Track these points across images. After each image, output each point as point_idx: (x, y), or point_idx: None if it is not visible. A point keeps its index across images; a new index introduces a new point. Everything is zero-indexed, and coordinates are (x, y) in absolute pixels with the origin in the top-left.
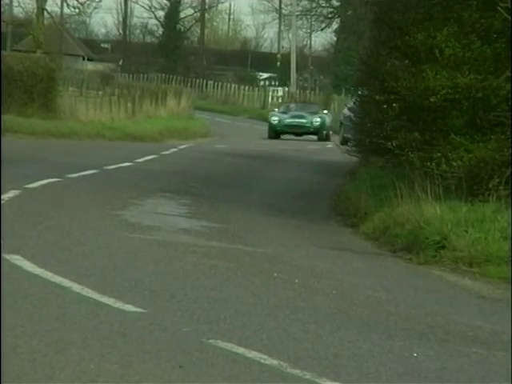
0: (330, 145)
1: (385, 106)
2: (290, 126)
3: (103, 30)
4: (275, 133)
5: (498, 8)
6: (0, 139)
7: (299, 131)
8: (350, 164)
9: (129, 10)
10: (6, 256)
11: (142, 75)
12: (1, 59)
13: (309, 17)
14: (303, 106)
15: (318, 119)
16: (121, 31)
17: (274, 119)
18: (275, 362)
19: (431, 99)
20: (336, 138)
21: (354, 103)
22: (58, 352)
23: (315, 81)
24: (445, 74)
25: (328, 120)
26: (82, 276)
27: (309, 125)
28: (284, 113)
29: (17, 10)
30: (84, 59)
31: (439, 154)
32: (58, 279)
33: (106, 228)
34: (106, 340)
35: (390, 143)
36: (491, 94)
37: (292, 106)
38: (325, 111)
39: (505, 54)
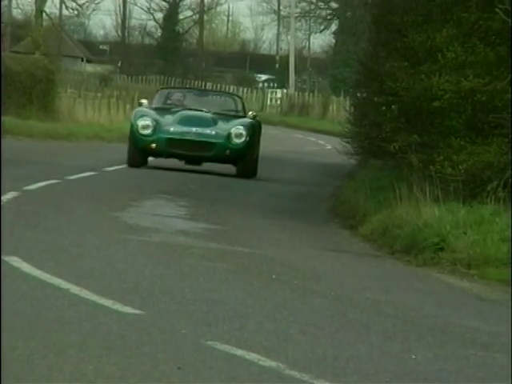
0: (328, 146)
1: (383, 108)
2: (178, 142)
3: (102, 32)
4: (143, 153)
5: (497, 10)
6: (0, 141)
7: (199, 155)
8: (349, 166)
9: (127, 11)
10: (4, 258)
11: (140, 77)
12: (1, 61)
13: (307, 18)
14: (206, 99)
15: (242, 130)
16: (119, 33)
17: (144, 124)
18: (274, 364)
19: (434, 103)
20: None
21: (352, 105)
22: (56, 354)
23: (314, 82)
24: (448, 79)
25: (258, 132)
26: (81, 278)
27: (221, 142)
28: (165, 111)
29: (16, 12)
30: (83, 61)
31: (442, 157)
32: (56, 281)
33: (105, 230)
34: (105, 342)
35: (388, 145)
36: (496, 97)
37: (179, 94)
38: (252, 113)
39: (507, 57)
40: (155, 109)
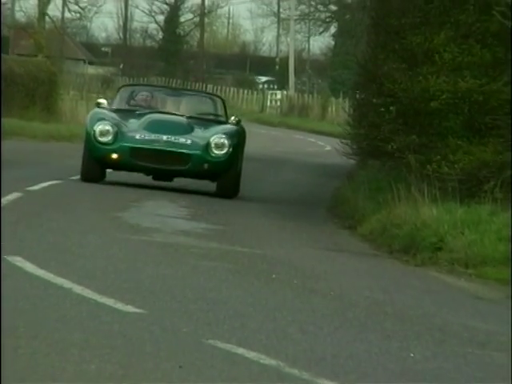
0: (328, 147)
1: (382, 109)
2: (144, 153)
3: (104, 34)
4: (101, 165)
5: (494, 12)
6: (0, 143)
7: (170, 169)
8: (348, 166)
9: (129, 14)
10: (7, 257)
11: (142, 79)
12: (1, 63)
13: (307, 21)
14: (179, 100)
15: (225, 139)
16: (121, 35)
17: (103, 130)
18: (274, 363)
19: (432, 104)
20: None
21: (351, 106)
22: (58, 352)
23: (313, 84)
24: (445, 79)
25: (243, 141)
26: (83, 277)
27: (198, 153)
28: (129, 114)
29: (19, 15)
30: (85, 63)
31: (439, 157)
32: (59, 280)
33: (107, 230)
34: (107, 340)
35: (387, 146)
36: (492, 98)
37: (146, 94)
38: (235, 118)
39: (504, 58)
40: (116, 111)
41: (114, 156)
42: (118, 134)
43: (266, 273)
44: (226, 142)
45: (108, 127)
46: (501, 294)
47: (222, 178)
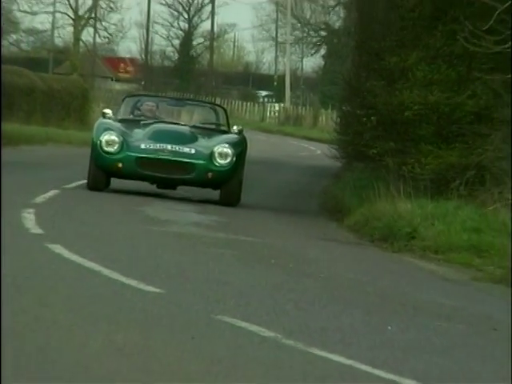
0: (318, 151)
1: (364, 119)
2: (149, 162)
3: (128, 56)
4: (107, 174)
5: (458, 37)
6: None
7: (175, 178)
8: (336, 168)
9: (150, 39)
10: (48, 245)
11: (160, 93)
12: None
13: (300, 44)
14: (182, 110)
15: (228, 149)
16: (143, 56)
17: (109, 140)
18: (272, 335)
19: (405, 113)
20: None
21: (338, 117)
22: (90, 324)
23: (306, 98)
24: (417, 93)
25: (245, 150)
26: (110, 261)
27: (202, 163)
28: (134, 124)
29: (57, 40)
30: (112, 80)
31: (412, 160)
32: (90, 264)
33: (131, 221)
34: (130, 315)
35: (369, 150)
36: (457, 109)
37: (151, 104)
38: (237, 128)
39: (466, 76)
40: (121, 121)
41: (120, 165)
42: (124, 144)
43: (265, 258)
44: (229, 151)
45: (114, 137)
46: (465, 276)
47: (225, 186)
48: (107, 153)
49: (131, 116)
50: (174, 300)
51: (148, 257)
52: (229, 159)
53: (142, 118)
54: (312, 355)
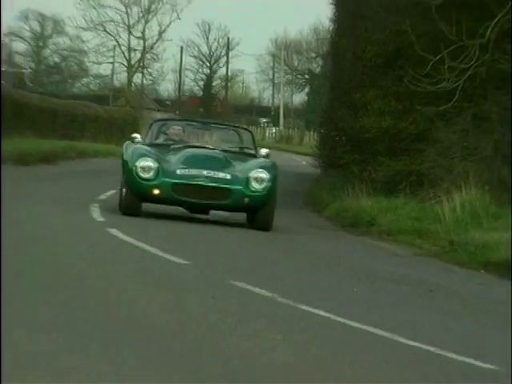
0: (304, 162)
1: (337, 139)
2: (186, 188)
3: (166, 93)
4: (141, 198)
5: (404, 81)
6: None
7: (212, 204)
8: (316, 174)
9: (182, 81)
10: (108, 229)
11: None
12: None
13: (291, 85)
14: (209, 133)
15: (264, 174)
16: (177, 93)
17: (145, 166)
18: (270, 295)
19: (366, 135)
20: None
21: (318, 137)
22: (135, 289)
23: (295, 123)
24: (374, 119)
25: (277, 175)
26: (153, 241)
27: (239, 188)
28: (164, 148)
29: (116, 82)
30: (155, 111)
31: (371, 168)
32: (139, 244)
33: (173, 211)
34: (166, 281)
35: (340, 161)
36: (402, 132)
37: (178, 128)
38: (266, 151)
39: (409, 108)
40: (151, 145)
41: (156, 192)
42: (160, 170)
43: (265, 240)
44: (265, 176)
45: (150, 163)
46: (409, 252)
47: (260, 211)
48: (143, 179)
49: (159, 140)
50: (199, 269)
51: (181, 237)
52: (264, 184)
53: (171, 142)
54: (300, 310)
